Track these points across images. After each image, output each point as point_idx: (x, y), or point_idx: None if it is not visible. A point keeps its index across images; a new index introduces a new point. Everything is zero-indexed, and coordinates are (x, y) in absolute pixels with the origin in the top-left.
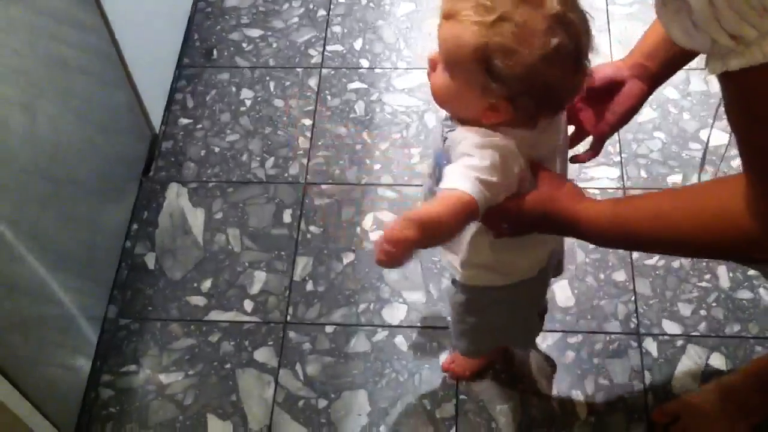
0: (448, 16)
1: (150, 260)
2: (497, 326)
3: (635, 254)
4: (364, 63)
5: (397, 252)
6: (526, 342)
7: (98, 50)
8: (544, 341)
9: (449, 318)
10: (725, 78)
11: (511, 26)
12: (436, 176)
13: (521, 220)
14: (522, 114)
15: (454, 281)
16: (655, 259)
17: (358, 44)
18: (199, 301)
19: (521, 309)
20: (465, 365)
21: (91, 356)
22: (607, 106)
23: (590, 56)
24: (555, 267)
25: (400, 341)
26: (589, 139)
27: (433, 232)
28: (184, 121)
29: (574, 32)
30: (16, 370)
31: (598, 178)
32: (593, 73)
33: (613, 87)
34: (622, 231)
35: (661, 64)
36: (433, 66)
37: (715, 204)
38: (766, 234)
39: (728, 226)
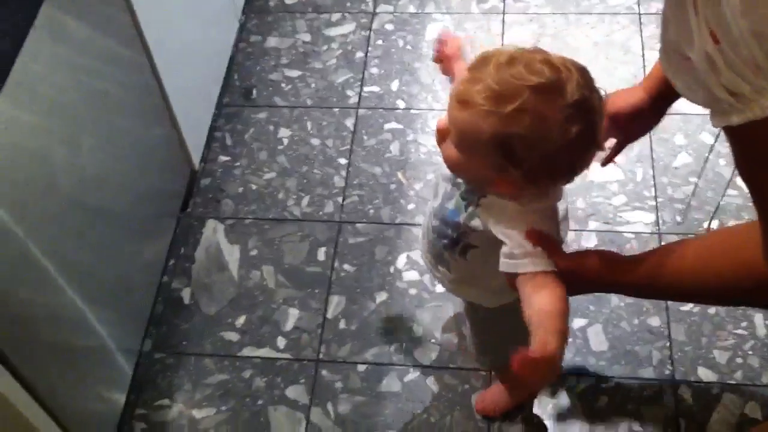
0: (462, 103)
1: (186, 295)
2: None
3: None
4: (401, 104)
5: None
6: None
7: (142, 87)
8: (578, 385)
9: (469, 334)
10: (729, 131)
11: (530, 117)
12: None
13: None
14: (536, 188)
15: (477, 306)
16: (690, 305)
17: (394, 85)
18: (233, 336)
19: None
20: (496, 403)
21: (125, 389)
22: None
23: (603, 129)
24: None
25: (432, 382)
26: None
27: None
28: (222, 158)
29: (592, 115)
30: (53, 400)
31: (633, 222)
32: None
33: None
34: (648, 292)
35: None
36: (442, 136)
37: (728, 254)
38: None
39: (743, 274)
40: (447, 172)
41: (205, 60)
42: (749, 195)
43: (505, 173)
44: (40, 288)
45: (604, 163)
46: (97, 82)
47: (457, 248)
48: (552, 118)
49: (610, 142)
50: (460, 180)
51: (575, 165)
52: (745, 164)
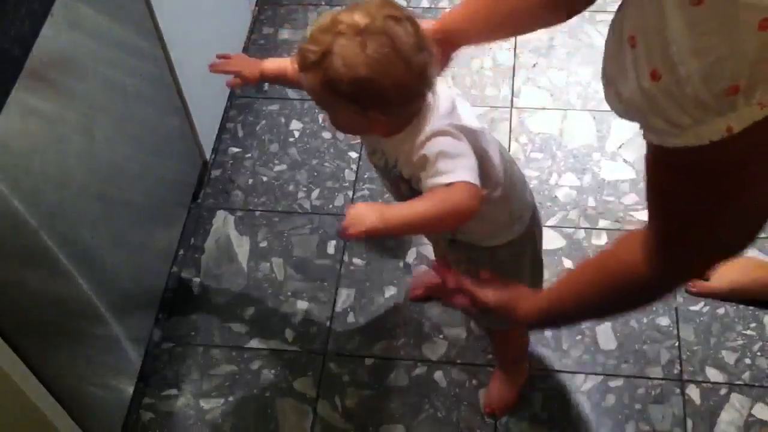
0: (300, 68)
1: (195, 286)
2: (527, 274)
3: (680, 299)
4: None
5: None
6: None
7: (156, 77)
8: (585, 384)
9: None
10: (657, 150)
11: (334, 57)
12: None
13: (485, 307)
14: (398, 119)
15: (481, 254)
16: (700, 305)
17: None
18: (241, 328)
19: (537, 249)
20: (502, 398)
21: (134, 378)
22: None
23: (423, 46)
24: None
25: (439, 377)
26: None
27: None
28: (233, 150)
29: (388, 35)
30: (61, 387)
31: (643, 221)
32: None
33: None
34: (563, 318)
35: (464, 37)
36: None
37: (616, 259)
38: (657, 276)
39: (629, 276)
40: (371, 158)
41: (218, 51)
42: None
43: (360, 113)
44: (51, 276)
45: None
46: (112, 71)
47: None
48: (350, 50)
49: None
50: (378, 165)
51: (403, 90)
52: (653, 178)
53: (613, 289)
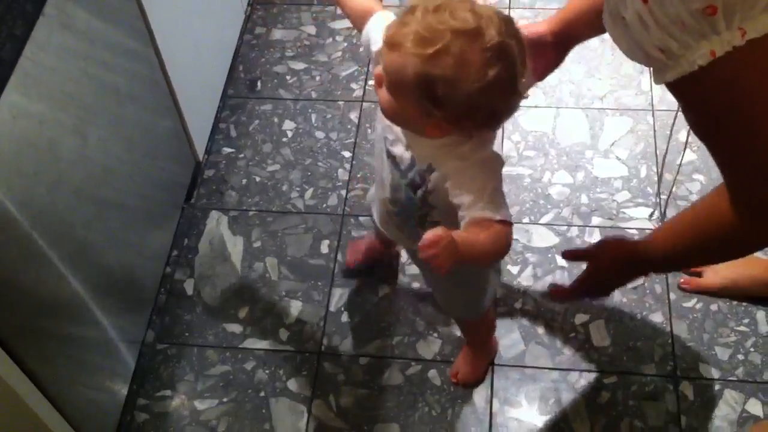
0: (391, 46)
1: (189, 286)
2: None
3: (673, 296)
4: None
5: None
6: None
7: (148, 78)
8: (579, 380)
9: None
10: (671, 89)
11: (450, 58)
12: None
13: (598, 283)
14: (462, 132)
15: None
16: (693, 302)
17: None
18: (235, 328)
19: None
20: (470, 374)
21: (128, 379)
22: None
23: (524, 77)
24: None
25: (434, 375)
26: None
27: (473, 260)
28: (226, 150)
29: (511, 61)
30: (55, 389)
31: (636, 218)
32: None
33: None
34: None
35: (579, 34)
36: (378, 82)
37: (707, 211)
38: (748, 223)
39: (722, 227)
40: (390, 149)
41: (210, 52)
42: None
43: (430, 116)
44: (44, 277)
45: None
46: (104, 73)
47: (425, 224)
48: (471, 60)
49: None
50: (397, 157)
51: (496, 110)
52: (692, 121)
53: (710, 240)
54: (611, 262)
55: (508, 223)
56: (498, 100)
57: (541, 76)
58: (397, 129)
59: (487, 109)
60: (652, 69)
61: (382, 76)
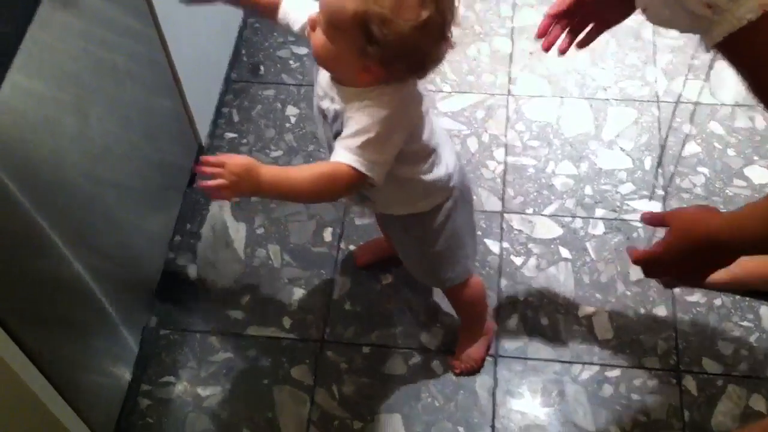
0: None
1: (192, 272)
2: (462, 232)
3: (677, 290)
4: None
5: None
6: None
7: (150, 59)
8: (581, 374)
9: (426, 267)
10: (720, 51)
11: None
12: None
13: (674, 261)
14: (393, 76)
15: (410, 221)
16: (697, 296)
17: None
18: (238, 315)
19: (469, 211)
20: (470, 359)
21: (131, 365)
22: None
23: (452, 28)
24: None
25: (437, 365)
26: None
27: (281, 194)
28: (229, 134)
29: (442, 7)
30: (59, 374)
31: (640, 210)
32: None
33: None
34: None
35: None
36: (312, 26)
37: None
38: None
39: None
40: (320, 104)
41: (213, 34)
42: (757, 185)
43: (365, 55)
44: (47, 260)
45: (581, 44)
46: (106, 53)
47: None
48: (407, 1)
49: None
50: (325, 110)
51: (426, 52)
52: (747, 81)
53: None
54: (683, 240)
55: (351, 169)
56: (428, 42)
57: (609, 24)
58: (325, 83)
59: (418, 50)
60: (700, 35)
61: (316, 19)
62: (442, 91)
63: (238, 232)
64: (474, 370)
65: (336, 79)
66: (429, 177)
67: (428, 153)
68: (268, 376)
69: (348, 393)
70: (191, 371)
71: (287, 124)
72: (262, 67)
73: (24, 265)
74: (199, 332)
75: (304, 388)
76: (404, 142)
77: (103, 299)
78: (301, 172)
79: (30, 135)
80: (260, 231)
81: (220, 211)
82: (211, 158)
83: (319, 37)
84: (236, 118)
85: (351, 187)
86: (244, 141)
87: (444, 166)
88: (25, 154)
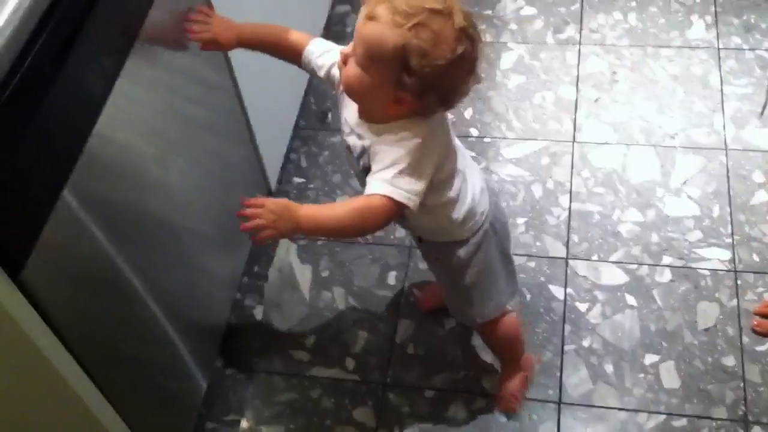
0: (371, 17)
1: (258, 313)
2: (493, 269)
3: (745, 339)
4: (474, 132)
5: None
6: (517, 287)
7: (227, 109)
8: (647, 422)
9: (465, 302)
10: None
11: (428, 32)
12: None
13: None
14: (424, 108)
15: (442, 252)
16: (766, 346)
17: (468, 113)
18: (302, 356)
19: (503, 247)
20: (514, 396)
21: (198, 403)
22: None
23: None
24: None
25: (499, 411)
26: None
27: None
28: (297, 180)
29: (476, 43)
30: (129, 409)
31: (708, 259)
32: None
33: None
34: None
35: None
36: (344, 59)
37: None
38: None
39: None
40: (347, 140)
41: (284, 84)
42: None
43: (400, 86)
44: (124, 301)
45: None
46: (186, 104)
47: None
48: (446, 36)
49: None
50: (351, 146)
51: (456, 86)
52: None
53: None
54: None
55: (388, 200)
56: (461, 75)
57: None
58: (353, 121)
59: (450, 83)
60: None
61: (350, 53)
62: (506, 138)
63: (303, 275)
64: (513, 407)
65: (364, 116)
66: (456, 205)
67: (454, 182)
68: (331, 417)
69: None
70: (256, 410)
71: (352, 171)
72: (329, 115)
73: (103, 305)
74: (264, 372)
75: (367, 430)
76: (435, 171)
77: (175, 339)
78: (340, 207)
79: (116, 185)
80: (325, 273)
81: (287, 253)
82: (251, 200)
83: (352, 69)
84: (304, 164)
85: (389, 217)
86: (312, 186)
87: (470, 197)
88: (110, 203)
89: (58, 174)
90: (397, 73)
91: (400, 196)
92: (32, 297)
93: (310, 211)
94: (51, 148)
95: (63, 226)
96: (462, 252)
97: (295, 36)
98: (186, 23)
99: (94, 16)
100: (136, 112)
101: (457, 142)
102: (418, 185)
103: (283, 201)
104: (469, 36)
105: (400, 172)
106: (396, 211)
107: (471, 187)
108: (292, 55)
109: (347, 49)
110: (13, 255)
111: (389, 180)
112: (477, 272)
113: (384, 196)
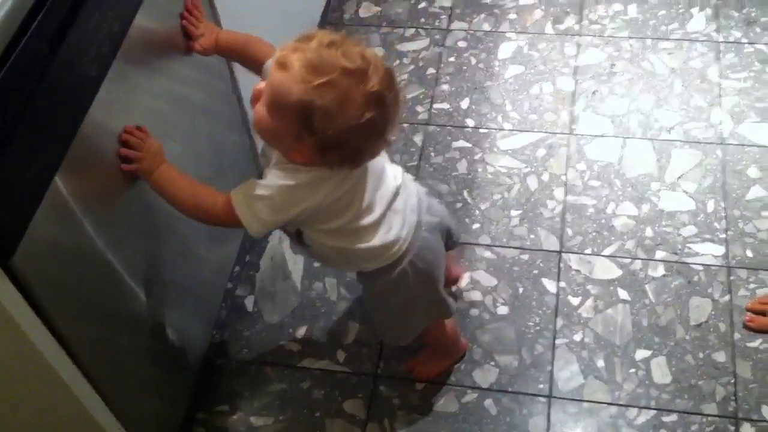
0: (281, 65)
1: (249, 302)
2: (411, 303)
3: (737, 335)
4: (470, 122)
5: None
6: (443, 312)
7: (222, 94)
8: (637, 418)
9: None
10: None
11: (335, 93)
12: None
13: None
14: (324, 163)
15: (361, 277)
16: (757, 342)
17: (464, 103)
18: (293, 346)
19: (424, 282)
20: (426, 370)
21: (188, 393)
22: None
23: (395, 127)
24: (445, 243)
25: (490, 404)
26: None
27: (163, 188)
28: None
29: (386, 110)
30: (118, 399)
31: (702, 254)
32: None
33: None
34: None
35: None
36: (257, 96)
37: None
38: None
39: None
40: (264, 168)
41: None
42: None
43: (300, 140)
44: (113, 291)
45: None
46: (183, 88)
47: (300, 237)
48: (353, 99)
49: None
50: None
51: (361, 149)
52: None
53: None
54: None
55: (231, 208)
56: (366, 140)
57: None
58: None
59: (353, 146)
60: None
61: (261, 91)
62: (503, 129)
63: (296, 264)
64: (425, 380)
65: None
66: (361, 247)
67: (358, 228)
68: (321, 409)
69: (400, 428)
70: (246, 401)
71: None
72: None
73: (91, 294)
74: (255, 363)
75: (357, 422)
76: (306, 216)
77: (166, 327)
78: (189, 183)
79: (109, 170)
80: (317, 264)
81: (280, 243)
82: (141, 128)
83: (260, 109)
84: None
85: (224, 222)
86: None
87: (379, 240)
88: (102, 190)
89: (52, 157)
90: (297, 128)
91: (243, 214)
92: (20, 284)
93: (166, 170)
94: (46, 130)
95: (52, 213)
96: (375, 285)
97: (262, 48)
98: (185, 15)
99: None
100: (130, 96)
101: (391, 185)
102: (271, 218)
103: (159, 145)
104: (380, 101)
105: (261, 197)
106: (230, 223)
107: (384, 232)
108: (257, 67)
109: (260, 86)
110: (4, 240)
111: (249, 194)
112: (391, 308)
113: (232, 201)
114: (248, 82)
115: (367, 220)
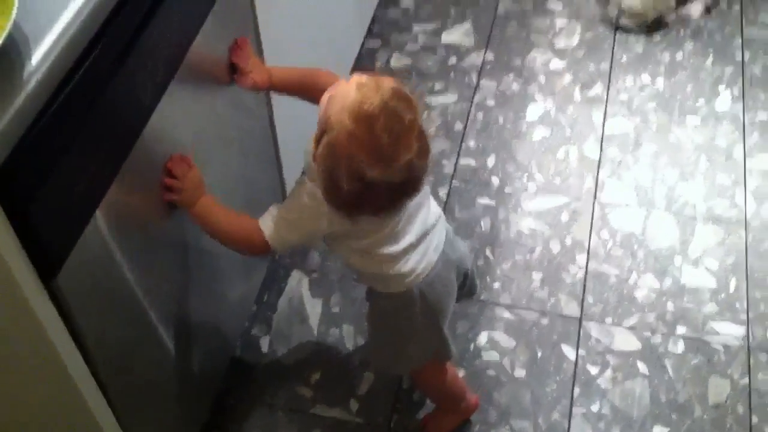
0: (356, 120)
1: (264, 343)
2: (412, 331)
3: (755, 419)
4: (495, 180)
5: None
6: (442, 351)
7: (258, 133)
8: None
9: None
10: None
11: (396, 174)
12: None
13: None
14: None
15: (369, 294)
16: None
17: (491, 161)
18: (306, 392)
19: (430, 314)
20: (442, 425)
21: (198, 430)
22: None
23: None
24: (461, 285)
25: None
26: None
27: (203, 219)
28: None
29: (415, 188)
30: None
31: (722, 333)
32: None
33: None
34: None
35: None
36: (317, 139)
37: None
38: None
39: None
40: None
41: (313, 115)
42: None
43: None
44: (133, 325)
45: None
46: (223, 127)
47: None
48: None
49: None
50: None
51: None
52: None
53: None
54: None
55: (262, 235)
56: (384, 205)
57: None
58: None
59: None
60: None
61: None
62: (527, 190)
63: (314, 308)
64: None
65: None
66: (374, 272)
67: (376, 254)
68: None
69: None
70: None
71: None
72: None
73: (117, 323)
74: (267, 405)
75: None
76: (328, 234)
77: (181, 364)
78: (229, 216)
79: (148, 198)
80: (336, 309)
81: (299, 285)
82: (186, 159)
83: (317, 148)
84: None
85: (260, 250)
86: None
87: (394, 270)
88: (141, 217)
89: (103, 177)
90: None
91: (272, 238)
92: (60, 305)
93: (207, 203)
94: (100, 150)
95: (94, 237)
96: (380, 303)
97: (328, 78)
98: (234, 50)
99: (151, 25)
100: (177, 123)
101: (425, 221)
102: (289, 236)
103: (201, 177)
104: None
105: (283, 219)
106: (262, 247)
107: (401, 264)
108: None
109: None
110: (51, 258)
111: (275, 216)
112: (388, 333)
113: (262, 230)
114: (286, 125)
115: (389, 249)
